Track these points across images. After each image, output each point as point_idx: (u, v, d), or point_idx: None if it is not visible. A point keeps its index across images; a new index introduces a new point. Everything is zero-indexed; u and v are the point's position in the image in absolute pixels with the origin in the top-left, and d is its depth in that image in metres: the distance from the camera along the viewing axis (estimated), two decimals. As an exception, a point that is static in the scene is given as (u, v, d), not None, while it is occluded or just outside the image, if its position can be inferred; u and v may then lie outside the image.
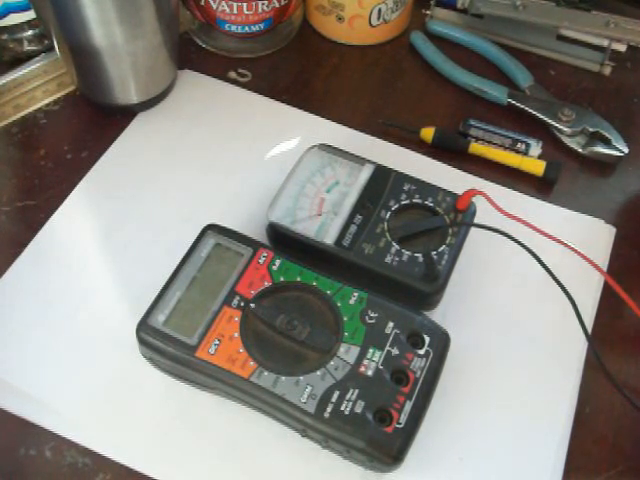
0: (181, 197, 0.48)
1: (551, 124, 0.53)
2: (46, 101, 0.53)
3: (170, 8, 0.48)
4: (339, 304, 0.38)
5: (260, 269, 0.39)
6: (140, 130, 0.51)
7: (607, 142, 0.51)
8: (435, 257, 0.41)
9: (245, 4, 0.53)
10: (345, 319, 0.38)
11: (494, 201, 0.41)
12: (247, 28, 0.55)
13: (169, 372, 0.39)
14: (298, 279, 0.39)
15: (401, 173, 0.45)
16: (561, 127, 0.52)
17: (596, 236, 0.47)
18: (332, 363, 0.37)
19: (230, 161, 0.50)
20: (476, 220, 0.43)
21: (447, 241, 0.42)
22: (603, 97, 0.56)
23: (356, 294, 0.39)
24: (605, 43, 0.58)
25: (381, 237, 0.42)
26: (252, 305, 0.38)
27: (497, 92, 0.54)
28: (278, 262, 0.40)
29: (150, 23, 0.47)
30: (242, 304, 0.38)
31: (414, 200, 0.43)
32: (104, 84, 0.49)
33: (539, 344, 0.43)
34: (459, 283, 0.43)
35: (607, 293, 0.45)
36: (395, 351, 0.37)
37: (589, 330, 0.42)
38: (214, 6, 0.54)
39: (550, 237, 0.40)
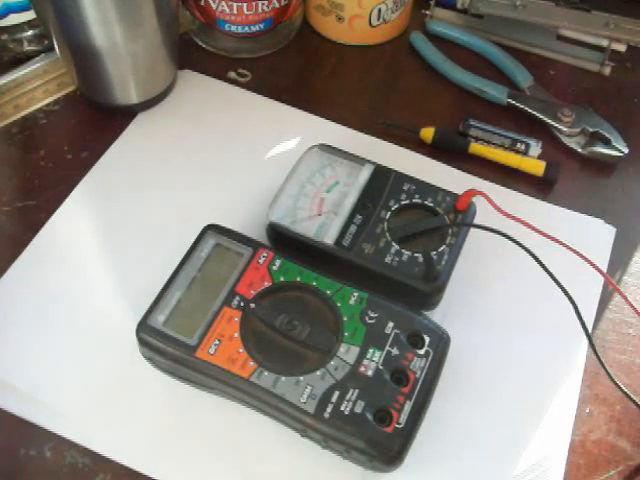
0: (181, 197, 0.48)
1: (551, 124, 0.53)
2: (46, 101, 0.53)
3: (170, 8, 0.48)
4: (339, 304, 0.38)
5: (260, 269, 0.39)
6: (140, 130, 0.51)
7: (607, 142, 0.51)
8: (435, 257, 0.41)
9: (245, 4, 0.53)
10: (345, 319, 0.38)
11: (494, 201, 0.41)
12: (247, 28, 0.55)
13: (169, 372, 0.39)
14: (298, 279, 0.39)
15: (401, 173, 0.45)
16: (561, 127, 0.52)
17: (596, 236, 0.47)
18: (332, 363, 0.37)
19: (230, 161, 0.50)
20: (476, 220, 0.43)
21: (447, 241, 0.42)
22: (603, 97, 0.56)
23: (356, 294, 0.39)
24: (605, 43, 0.58)
25: (381, 237, 0.42)
26: (252, 305, 0.38)
27: (497, 92, 0.54)
28: (278, 262, 0.40)
29: (150, 23, 0.47)
30: (242, 304, 0.38)
31: (414, 200, 0.43)
32: (104, 84, 0.49)
33: (539, 344, 0.43)
34: (459, 283, 0.43)
35: (607, 293, 0.45)
36: (395, 351, 0.37)
37: (589, 329, 0.42)
38: (214, 6, 0.54)
39: (550, 237, 0.40)
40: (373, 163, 0.45)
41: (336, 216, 0.43)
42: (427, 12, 0.60)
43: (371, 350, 0.37)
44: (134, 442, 0.38)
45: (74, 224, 0.46)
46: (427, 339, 0.38)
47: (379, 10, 0.56)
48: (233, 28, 0.55)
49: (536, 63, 0.58)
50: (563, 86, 0.57)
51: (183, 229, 0.42)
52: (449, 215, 0.43)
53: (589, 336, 0.40)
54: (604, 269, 0.45)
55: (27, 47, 0.55)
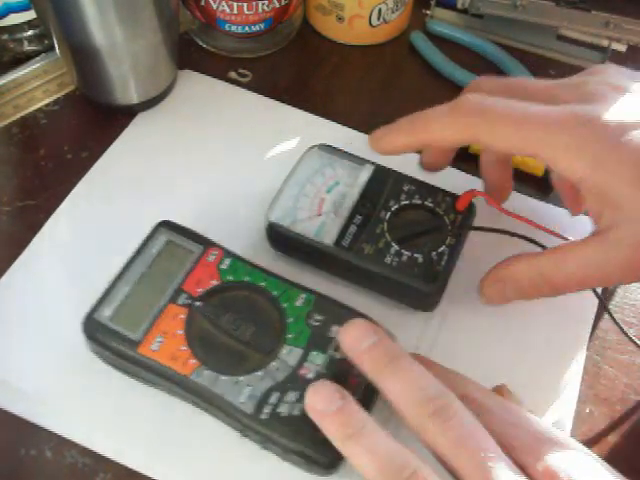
0: (181, 197, 0.48)
1: (551, 124, 0.52)
2: (46, 101, 0.53)
3: (170, 8, 0.48)
4: (285, 305, 0.38)
5: (209, 267, 0.39)
6: (140, 130, 0.51)
7: (607, 142, 0.51)
8: (435, 257, 0.41)
9: (245, 4, 0.53)
10: (290, 321, 0.38)
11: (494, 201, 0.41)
12: (247, 28, 0.55)
13: (116, 367, 0.39)
14: (246, 279, 0.39)
15: (401, 173, 0.45)
16: (561, 127, 0.52)
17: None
18: (273, 364, 0.36)
19: (230, 161, 0.50)
20: (476, 221, 0.43)
21: (447, 241, 0.42)
22: (603, 97, 0.56)
23: (303, 296, 0.38)
24: (605, 43, 0.58)
25: (381, 237, 0.42)
26: (198, 303, 0.38)
27: (497, 92, 0.54)
28: (227, 261, 0.39)
29: (150, 23, 0.47)
30: (188, 302, 0.38)
31: (414, 200, 0.43)
32: (104, 84, 0.49)
33: (539, 345, 0.43)
34: (459, 284, 0.43)
35: (607, 293, 0.45)
36: (338, 355, 0.37)
37: (589, 329, 0.42)
38: (214, 6, 0.54)
39: (553, 233, 0.40)
40: (373, 163, 0.45)
41: (336, 216, 0.43)
42: (427, 12, 0.60)
43: (314, 353, 0.37)
44: (134, 442, 0.38)
45: (74, 224, 0.46)
46: None
47: (379, 10, 0.56)
48: (233, 28, 0.55)
49: (536, 63, 0.58)
50: (563, 86, 0.57)
51: (183, 229, 0.42)
52: (449, 216, 0.43)
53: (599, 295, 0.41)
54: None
55: (27, 47, 0.55)
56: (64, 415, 0.39)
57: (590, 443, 0.40)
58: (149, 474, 0.37)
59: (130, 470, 0.37)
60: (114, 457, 0.38)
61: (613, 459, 0.39)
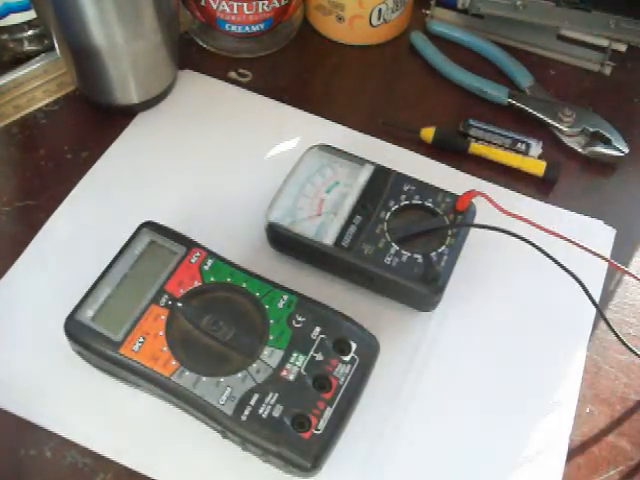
0: (181, 197, 0.48)
1: (551, 124, 0.53)
2: (46, 101, 0.53)
3: (170, 8, 0.48)
4: (267, 306, 0.38)
5: (191, 268, 0.39)
6: (140, 130, 0.51)
7: (607, 142, 0.51)
8: (434, 258, 0.41)
9: (245, 4, 0.53)
10: (272, 322, 0.38)
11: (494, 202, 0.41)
12: (247, 28, 0.55)
13: (97, 367, 0.39)
14: (228, 280, 0.39)
15: (401, 174, 0.45)
16: (561, 127, 0.52)
17: (596, 237, 0.47)
18: (254, 366, 0.36)
19: (230, 161, 0.50)
20: (476, 221, 0.43)
21: (447, 242, 0.42)
22: (603, 97, 0.56)
23: (285, 297, 0.39)
24: (605, 43, 0.58)
25: (380, 238, 0.42)
26: (179, 304, 0.38)
27: (497, 92, 0.54)
28: (210, 262, 0.39)
29: (150, 23, 0.47)
30: (170, 303, 0.38)
31: (414, 201, 0.43)
32: (104, 84, 0.49)
33: (539, 344, 0.43)
34: (459, 283, 0.43)
35: (607, 293, 0.45)
36: (319, 357, 0.37)
37: (590, 327, 0.42)
38: (214, 6, 0.54)
39: (553, 234, 0.40)
40: (373, 163, 0.45)
41: (336, 216, 0.43)
42: (427, 12, 0.60)
43: (295, 354, 0.37)
44: (134, 442, 0.38)
45: (74, 224, 0.46)
46: (354, 346, 0.37)
47: (379, 10, 0.56)
48: (233, 28, 0.55)
49: (536, 63, 0.58)
50: (563, 86, 0.57)
51: (182, 229, 0.42)
52: (449, 216, 0.43)
53: (600, 310, 0.41)
54: (604, 270, 0.45)
55: (27, 47, 0.55)
56: (64, 415, 0.39)
57: (590, 443, 0.40)
58: (149, 474, 0.37)
59: (130, 470, 0.37)
60: (114, 457, 0.38)
61: (613, 459, 0.40)
